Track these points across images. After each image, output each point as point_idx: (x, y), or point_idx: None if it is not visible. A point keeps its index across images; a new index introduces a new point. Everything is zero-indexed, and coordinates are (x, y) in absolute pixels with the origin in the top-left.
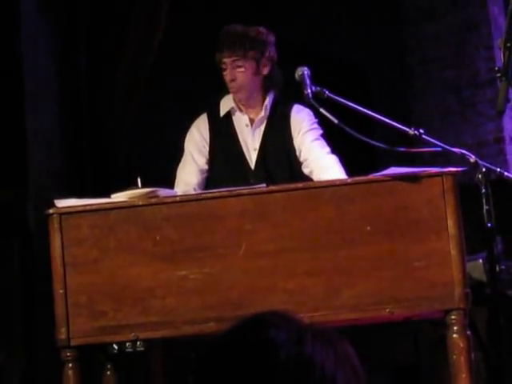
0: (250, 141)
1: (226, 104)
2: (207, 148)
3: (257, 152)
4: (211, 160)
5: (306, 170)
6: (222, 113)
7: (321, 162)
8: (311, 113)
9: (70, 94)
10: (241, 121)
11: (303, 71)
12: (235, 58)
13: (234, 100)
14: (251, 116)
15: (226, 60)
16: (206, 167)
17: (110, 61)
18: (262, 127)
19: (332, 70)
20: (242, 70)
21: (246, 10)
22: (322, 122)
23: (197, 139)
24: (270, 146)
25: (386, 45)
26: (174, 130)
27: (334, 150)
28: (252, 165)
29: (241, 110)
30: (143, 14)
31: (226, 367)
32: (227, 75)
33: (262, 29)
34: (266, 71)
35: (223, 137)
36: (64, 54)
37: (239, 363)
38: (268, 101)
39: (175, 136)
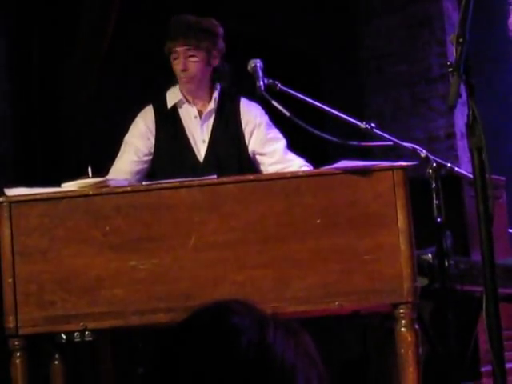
0: (199, 133)
1: (172, 96)
2: (152, 141)
3: (206, 144)
4: (157, 152)
5: (266, 162)
6: (170, 105)
7: (284, 155)
8: (259, 106)
9: (21, 81)
10: (189, 113)
11: (256, 63)
12: (188, 48)
13: (182, 92)
14: (199, 108)
15: (178, 49)
16: (146, 159)
17: (63, 46)
18: (211, 120)
19: (284, 63)
20: (195, 59)
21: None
22: (273, 114)
23: (142, 130)
24: (220, 139)
25: (339, 39)
26: (126, 120)
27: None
28: (201, 157)
29: (189, 102)
30: None
31: (187, 352)
32: (178, 64)
33: (213, 20)
34: (215, 63)
35: (170, 129)
36: (15, 39)
37: (200, 348)
38: (216, 93)
39: (127, 126)
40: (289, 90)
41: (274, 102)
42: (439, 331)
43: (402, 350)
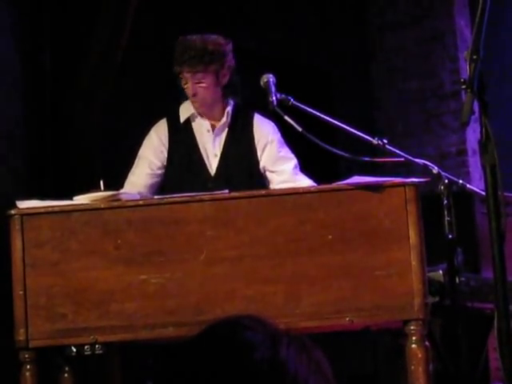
0: (211, 147)
1: (185, 110)
2: (165, 154)
3: (218, 159)
4: (170, 165)
5: (275, 180)
6: (182, 119)
7: (293, 175)
8: (272, 123)
9: (34, 94)
10: (201, 126)
11: (268, 78)
12: (195, 73)
13: (195, 107)
14: (212, 122)
15: (186, 75)
16: (160, 172)
17: (76, 59)
18: (224, 134)
19: (296, 78)
20: (204, 85)
21: (210, 15)
22: (285, 129)
23: (155, 144)
24: (232, 154)
25: (351, 54)
26: (138, 134)
27: (297, 158)
28: (212, 171)
29: (201, 116)
30: (111, 10)
31: (199, 366)
32: (188, 89)
33: (219, 39)
34: (225, 81)
35: (183, 143)
36: (29, 50)
37: (213, 363)
38: (229, 107)
39: (139, 140)
40: (301, 106)
41: (286, 117)
42: (449, 348)
43: (413, 367)
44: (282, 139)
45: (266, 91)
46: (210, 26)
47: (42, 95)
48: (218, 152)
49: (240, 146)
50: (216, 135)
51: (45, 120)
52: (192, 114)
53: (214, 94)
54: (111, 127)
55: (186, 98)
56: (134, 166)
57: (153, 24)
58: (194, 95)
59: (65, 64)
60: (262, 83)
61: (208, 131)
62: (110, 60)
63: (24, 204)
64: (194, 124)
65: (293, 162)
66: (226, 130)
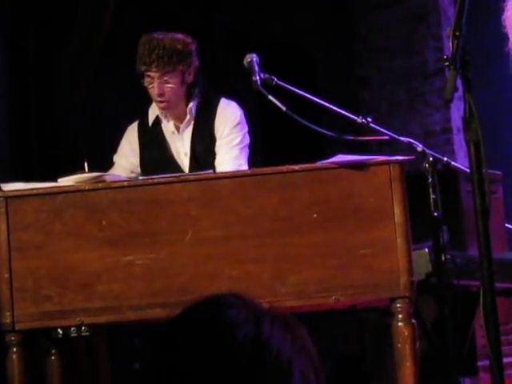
0: (180, 146)
1: (153, 112)
2: (137, 159)
3: (188, 157)
4: (144, 168)
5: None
6: (150, 122)
7: (221, 164)
8: (236, 110)
9: (18, 79)
10: (167, 128)
11: (252, 58)
12: (162, 73)
13: (158, 107)
14: (176, 122)
15: (152, 74)
16: (134, 175)
17: (59, 43)
18: (189, 132)
19: (280, 57)
20: (171, 85)
21: None
22: (269, 109)
23: (126, 151)
24: (198, 150)
25: (335, 33)
26: (121, 115)
27: (279, 138)
28: (186, 170)
29: (166, 117)
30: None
31: (182, 345)
32: (154, 88)
33: (186, 38)
34: (190, 79)
35: (154, 144)
36: (11, 38)
37: (195, 341)
38: (192, 104)
39: (123, 121)
40: (285, 85)
41: (270, 97)
42: (436, 325)
43: (399, 345)
44: (239, 125)
45: (249, 71)
46: (192, 6)
47: (25, 79)
48: (188, 150)
49: (204, 141)
50: (182, 134)
51: (28, 102)
52: (157, 117)
53: (179, 93)
54: (95, 109)
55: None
56: (111, 170)
57: (137, 5)
58: (161, 95)
59: (48, 46)
60: (245, 63)
61: (173, 133)
62: (93, 42)
63: (8, 186)
64: (162, 125)
65: (231, 153)
66: (191, 126)
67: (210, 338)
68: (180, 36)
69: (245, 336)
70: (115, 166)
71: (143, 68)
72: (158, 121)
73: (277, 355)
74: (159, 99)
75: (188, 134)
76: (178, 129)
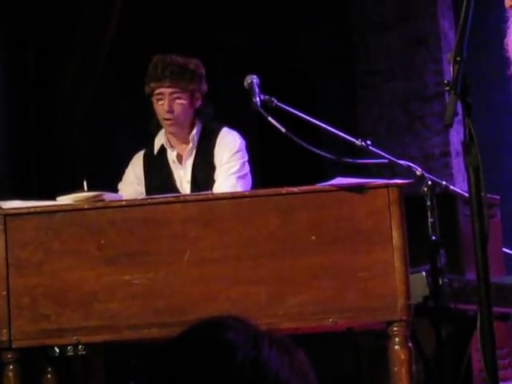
0: (183, 174)
1: (159, 141)
2: (142, 187)
3: (190, 185)
4: (148, 195)
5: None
6: (156, 150)
7: (218, 188)
8: (237, 139)
9: (18, 95)
10: (172, 157)
11: (252, 79)
12: (174, 89)
13: (165, 134)
14: (179, 150)
15: (164, 90)
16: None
17: (59, 60)
18: (191, 160)
19: (280, 79)
20: (180, 101)
21: (195, 18)
22: (269, 130)
23: (131, 179)
24: (200, 178)
25: (335, 55)
26: (122, 134)
27: (278, 160)
28: None
29: (170, 146)
30: (94, 11)
31: (181, 367)
32: (163, 105)
33: (198, 62)
34: (197, 104)
35: (158, 173)
36: (11, 52)
37: (195, 363)
38: (195, 131)
39: (123, 140)
40: (285, 107)
41: (270, 118)
42: (433, 349)
43: (395, 368)
44: (239, 153)
45: (249, 92)
46: (196, 26)
47: (25, 97)
48: (189, 178)
49: (205, 170)
50: (184, 162)
51: (28, 120)
52: (162, 145)
53: (187, 113)
54: (95, 128)
55: (155, 126)
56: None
57: (138, 23)
58: (170, 112)
59: (48, 65)
60: (245, 84)
61: (174, 162)
62: (93, 61)
63: (7, 204)
64: (167, 153)
65: (229, 181)
66: (193, 154)
67: (210, 360)
68: (192, 58)
69: (244, 358)
70: (119, 193)
71: (155, 85)
72: (163, 149)
73: (275, 378)
74: (167, 116)
75: (190, 162)
76: (180, 160)
